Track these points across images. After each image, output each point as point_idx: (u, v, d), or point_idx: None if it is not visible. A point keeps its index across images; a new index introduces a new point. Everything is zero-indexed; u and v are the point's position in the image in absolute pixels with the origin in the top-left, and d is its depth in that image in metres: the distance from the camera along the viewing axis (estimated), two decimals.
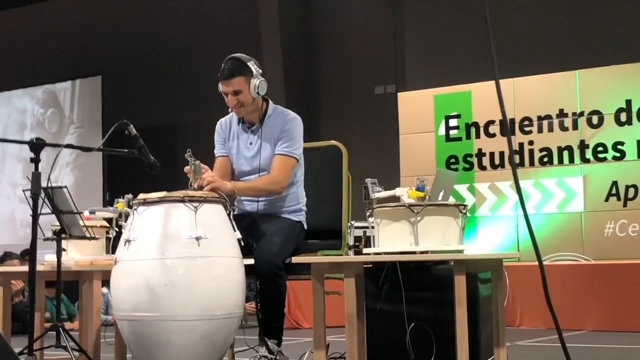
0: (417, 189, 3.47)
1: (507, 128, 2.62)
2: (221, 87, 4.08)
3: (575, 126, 8.09)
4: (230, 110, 4.18)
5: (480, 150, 8.48)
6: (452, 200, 3.60)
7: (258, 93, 4.06)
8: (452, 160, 8.58)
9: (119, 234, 4.08)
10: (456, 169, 8.38)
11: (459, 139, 8.60)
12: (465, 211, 3.47)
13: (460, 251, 3.42)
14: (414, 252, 3.35)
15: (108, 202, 10.86)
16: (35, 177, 3.37)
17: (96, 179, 11.41)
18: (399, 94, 9.27)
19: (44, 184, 3.45)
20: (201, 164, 3.85)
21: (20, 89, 12.68)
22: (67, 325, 6.44)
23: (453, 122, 8.64)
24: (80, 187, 11.34)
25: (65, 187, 3.68)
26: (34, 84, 12.53)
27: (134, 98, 12.05)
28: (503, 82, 8.30)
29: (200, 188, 3.80)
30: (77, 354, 3.77)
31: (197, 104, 11.85)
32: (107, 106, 11.64)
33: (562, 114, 8.16)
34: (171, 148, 10.26)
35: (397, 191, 3.59)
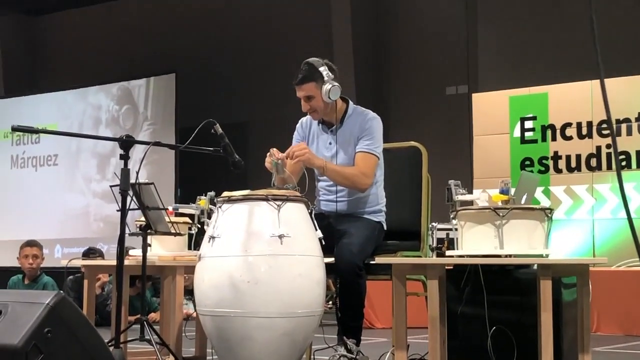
0: (502, 192, 3.44)
1: (612, 129, 2.58)
2: (297, 92, 4.12)
3: None
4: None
5: (556, 153, 8.36)
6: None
7: (330, 98, 4.06)
8: (527, 162, 8.48)
9: (200, 231, 4.15)
10: (531, 172, 8.27)
11: (535, 141, 8.49)
12: (551, 215, 3.43)
13: (546, 256, 3.38)
14: (498, 256, 3.32)
15: (180, 198, 11.02)
16: (125, 173, 3.44)
17: (169, 175, 11.56)
18: (474, 95, 9.19)
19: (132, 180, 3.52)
20: (284, 162, 3.88)
21: (95, 85, 12.92)
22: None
23: (529, 124, 8.54)
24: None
25: (152, 183, 3.74)
26: (110, 81, 12.77)
27: (207, 96, 12.20)
28: (581, 85, 8.20)
29: (282, 184, 3.84)
30: (159, 347, 3.84)
31: (268, 103, 11.95)
32: (180, 104, 11.80)
33: None
34: (242, 146, 10.36)
35: (481, 195, 3.56)
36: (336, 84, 4.04)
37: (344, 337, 3.84)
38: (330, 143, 4.21)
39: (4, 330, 2.67)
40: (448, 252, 3.54)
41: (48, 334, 2.68)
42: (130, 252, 4.22)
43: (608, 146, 8.07)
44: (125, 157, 3.49)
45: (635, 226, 2.84)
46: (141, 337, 3.76)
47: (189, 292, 4.41)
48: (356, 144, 4.14)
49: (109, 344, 3.33)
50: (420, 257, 4.05)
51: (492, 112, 8.75)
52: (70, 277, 7.62)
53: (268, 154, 3.92)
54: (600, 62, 2.40)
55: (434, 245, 3.85)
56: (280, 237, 3.56)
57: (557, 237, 8.09)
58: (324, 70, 4.05)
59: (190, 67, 12.31)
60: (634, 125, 8.00)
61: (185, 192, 10.73)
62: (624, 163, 7.95)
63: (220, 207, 3.72)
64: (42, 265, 7.66)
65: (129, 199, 3.50)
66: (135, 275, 4.90)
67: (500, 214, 3.30)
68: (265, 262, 3.54)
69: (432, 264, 3.43)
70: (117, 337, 3.44)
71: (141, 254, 3.87)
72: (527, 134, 8.56)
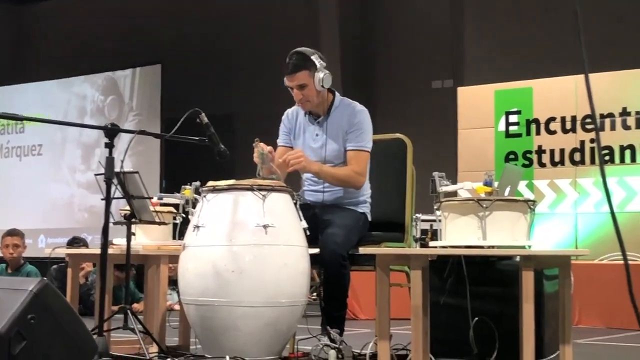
0: (485, 184, 3.46)
1: (596, 124, 2.59)
2: (286, 82, 4.09)
3: (638, 125, 7.97)
4: (297, 104, 4.22)
5: (540, 147, 8.40)
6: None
7: (323, 86, 4.06)
8: (512, 156, 8.52)
9: (185, 220, 4.15)
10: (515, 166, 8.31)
11: (519, 135, 8.54)
12: (534, 207, 3.45)
13: (528, 247, 3.41)
14: (481, 247, 3.34)
15: (165, 189, 10.99)
16: (110, 162, 3.44)
17: (154, 166, 11.55)
18: (459, 89, 9.22)
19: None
20: (270, 153, 3.89)
21: (81, 75, 12.87)
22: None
23: (513, 118, 8.58)
24: None
25: (137, 172, 3.74)
26: (95, 71, 12.72)
27: (192, 87, 12.18)
28: (565, 79, 8.24)
29: (268, 175, 3.84)
30: (142, 336, 3.83)
31: (255, 95, 11.95)
32: (166, 95, 11.77)
33: (625, 112, 8.04)
34: (228, 138, 10.32)
35: (465, 185, 3.58)
36: (327, 72, 4.06)
37: (328, 327, 3.86)
38: (317, 134, 4.21)
39: None
40: (431, 243, 3.55)
41: (31, 321, 2.68)
42: (114, 240, 4.21)
43: (592, 141, 8.11)
44: (110, 146, 3.49)
45: (617, 220, 2.86)
46: (125, 326, 3.76)
47: (173, 283, 4.41)
48: (344, 136, 4.14)
49: (92, 332, 3.33)
50: (404, 248, 4.07)
51: (478, 106, 8.79)
52: (54, 266, 7.60)
53: (254, 144, 3.92)
54: (585, 56, 2.42)
55: (418, 237, 3.85)
56: (265, 227, 3.57)
57: (540, 230, 8.13)
58: (315, 58, 4.06)
59: (176, 58, 12.28)
60: (618, 120, 8.05)
61: (171, 183, 10.71)
62: (607, 158, 8.00)
63: (205, 196, 3.73)
64: (26, 255, 7.64)
65: (113, 187, 3.50)
66: (117, 265, 4.90)
67: (484, 206, 3.32)
68: (249, 252, 3.55)
69: (415, 254, 3.44)
70: (100, 324, 3.44)
71: (125, 243, 3.86)
72: (512, 128, 8.60)
